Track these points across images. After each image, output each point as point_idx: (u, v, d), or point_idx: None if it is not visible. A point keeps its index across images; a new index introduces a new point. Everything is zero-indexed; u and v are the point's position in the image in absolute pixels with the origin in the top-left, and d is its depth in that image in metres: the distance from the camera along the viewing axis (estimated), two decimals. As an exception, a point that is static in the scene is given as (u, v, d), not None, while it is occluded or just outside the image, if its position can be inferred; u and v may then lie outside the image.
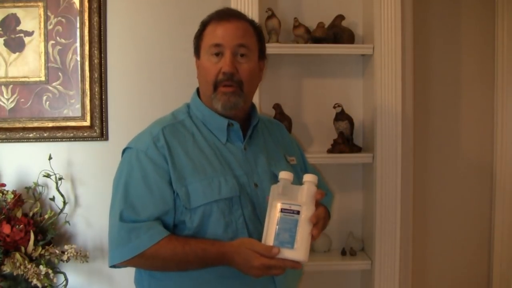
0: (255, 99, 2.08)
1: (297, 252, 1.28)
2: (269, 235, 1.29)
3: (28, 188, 2.20)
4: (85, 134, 2.29)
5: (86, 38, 2.26)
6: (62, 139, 2.28)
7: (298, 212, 1.30)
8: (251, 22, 1.51)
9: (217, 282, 1.39)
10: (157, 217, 1.37)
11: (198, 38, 1.50)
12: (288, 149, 1.64)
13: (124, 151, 1.48)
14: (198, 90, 1.55)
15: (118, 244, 1.36)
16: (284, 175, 1.36)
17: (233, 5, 2.07)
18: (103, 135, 2.29)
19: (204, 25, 1.49)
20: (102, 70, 2.27)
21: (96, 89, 2.27)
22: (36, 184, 2.21)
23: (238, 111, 1.47)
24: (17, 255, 2.03)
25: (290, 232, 1.28)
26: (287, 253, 1.28)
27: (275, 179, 1.46)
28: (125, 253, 1.34)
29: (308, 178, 1.35)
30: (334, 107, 2.25)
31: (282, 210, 1.30)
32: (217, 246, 1.34)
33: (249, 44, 1.45)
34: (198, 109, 1.50)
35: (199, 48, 1.49)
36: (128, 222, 1.35)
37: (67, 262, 2.12)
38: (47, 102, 2.28)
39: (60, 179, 2.21)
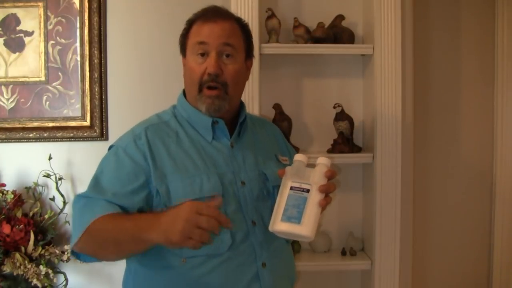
0: (255, 99, 2.09)
1: (304, 227, 1.28)
2: (278, 212, 1.30)
3: (28, 188, 2.20)
4: (85, 134, 2.29)
5: (86, 38, 2.26)
6: (62, 139, 2.28)
7: (307, 191, 1.31)
8: (237, 20, 1.49)
9: (201, 281, 1.36)
10: (117, 204, 1.33)
11: (184, 36, 1.48)
12: (281, 149, 1.64)
13: (108, 149, 1.48)
14: (184, 91, 1.54)
15: (74, 224, 1.35)
16: (299, 157, 1.38)
17: (233, 5, 2.07)
18: (103, 135, 2.29)
19: (190, 23, 1.48)
20: (102, 70, 2.27)
21: (96, 89, 2.27)
22: (36, 184, 2.21)
23: (223, 112, 1.46)
24: (17, 255, 2.03)
25: (298, 208, 1.29)
26: (294, 228, 1.28)
27: (263, 178, 1.47)
28: (79, 228, 1.31)
29: (321, 160, 1.37)
30: (334, 107, 2.25)
31: (292, 188, 1.32)
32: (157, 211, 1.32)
33: (235, 43, 1.44)
34: (184, 109, 1.49)
35: (185, 47, 1.48)
36: (86, 197, 1.35)
37: (67, 262, 2.13)
38: (47, 102, 2.28)
39: (60, 179, 2.21)
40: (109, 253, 1.35)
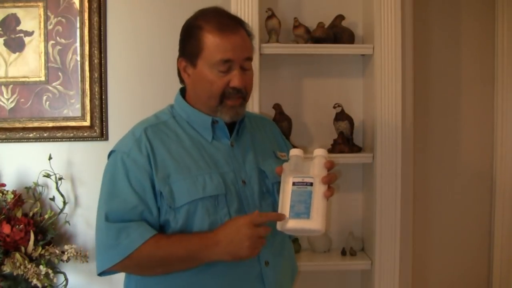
0: (255, 99, 2.09)
1: (314, 221, 1.29)
2: (284, 209, 1.30)
3: (28, 188, 2.20)
4: (85, 134, 2.29)
5: (86, 38, 2.26)
6: (62, 139, 2.29)
7: (311, 184, 1.31)
8: (245, 26, 1.46)
9: (205, 282, 1.37)
10: (142, 217, 1.36)
11: (194, 45, 1.41)
12: (279, 145, 1.64)
13: (109, 154, 1.47)
14: (181, 91, 1.53)
15: (107, 247, 1.35)
16: (295, 152, 1.38)
17: (233, 5, 2.07)
18: (103, 135, 2.29)
19: (198, 29, 1.41)
20: (102, 70, 2.27)
21: (96, 89, 2.27)
22: (36, 184, 2.21)
23: None
24: (17, 255, 2.03)
25: (305, 203, 1.29)
26: (304, 224, 1.29)
27: (262, 176, 1.48)
28: (116, 255, 1.33)
29: (319, 152, 1.37)
30: (334, 107, 2.25)
31: (294, 184, 1.32)
32: (203, 232, 1.36)
33: (252, 54, 1.45)
34: (182, 109, 1.49)
35: (196, 55, 1.41)
36: (116, 222, 1.35)
37: (67, 262, 2.13)
38: (47, 102, 2.28)
39: (60, 179, 2.21)
40: (154, 273, 1.40)
